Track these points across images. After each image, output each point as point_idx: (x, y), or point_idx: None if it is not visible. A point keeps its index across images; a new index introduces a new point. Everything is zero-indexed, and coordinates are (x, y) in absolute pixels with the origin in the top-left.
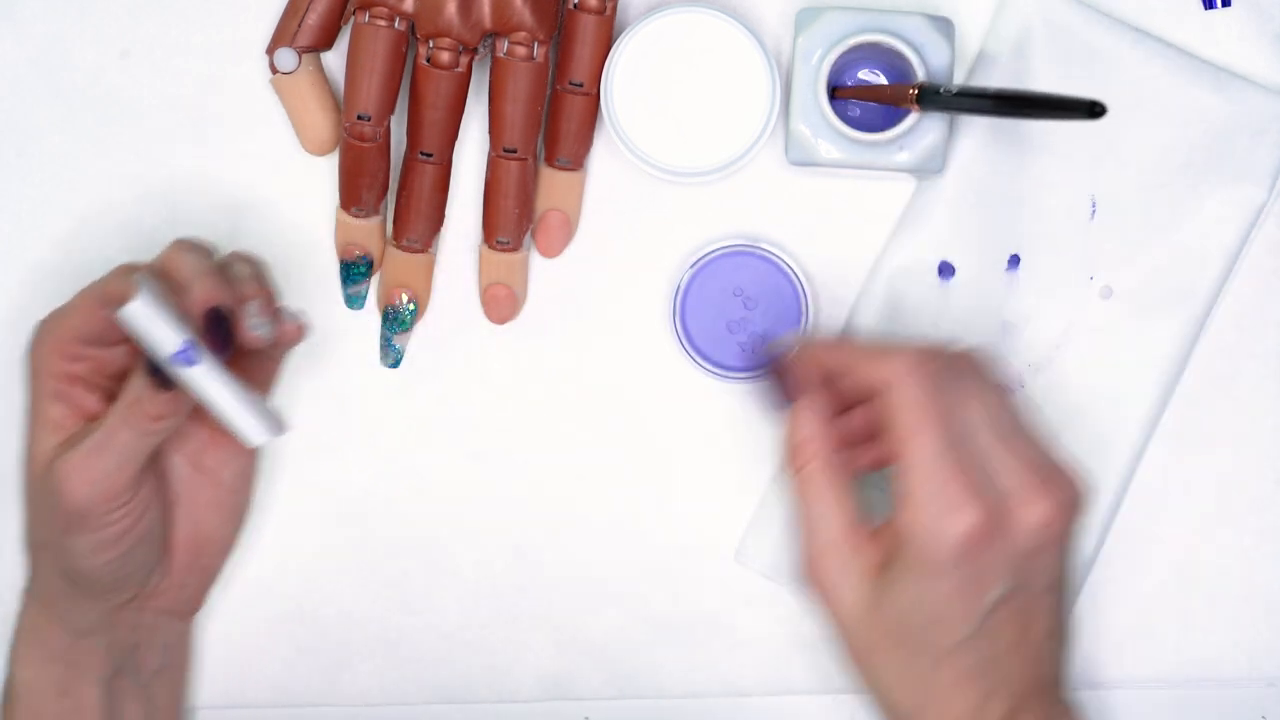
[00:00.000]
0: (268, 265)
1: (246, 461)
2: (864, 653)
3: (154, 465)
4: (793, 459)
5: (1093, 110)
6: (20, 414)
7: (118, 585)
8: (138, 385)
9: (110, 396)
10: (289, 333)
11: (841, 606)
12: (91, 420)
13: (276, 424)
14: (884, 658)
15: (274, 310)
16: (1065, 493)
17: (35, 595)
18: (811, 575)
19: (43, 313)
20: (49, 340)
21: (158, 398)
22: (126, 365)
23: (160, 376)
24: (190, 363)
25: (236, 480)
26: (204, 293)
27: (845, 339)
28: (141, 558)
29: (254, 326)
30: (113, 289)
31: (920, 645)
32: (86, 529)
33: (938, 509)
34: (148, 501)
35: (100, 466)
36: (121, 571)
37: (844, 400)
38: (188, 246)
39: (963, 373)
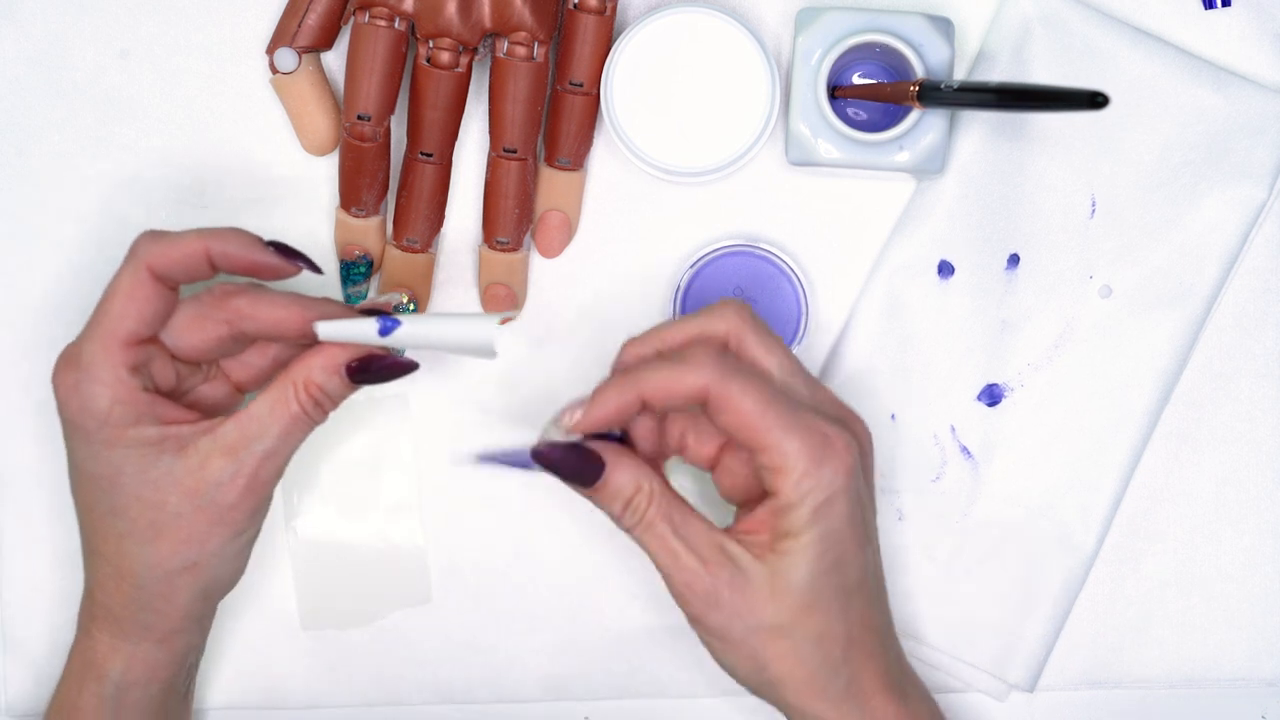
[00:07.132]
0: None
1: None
2: (781, 632)
3: None
4: (629, 519)
5: (1094, 101)
6: (14, 411)
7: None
8: (331, 384)
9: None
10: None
11: (758, 597)
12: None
13: (487, 326)
14: (803, 628)
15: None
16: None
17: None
18: (714, 591)
19: (40, 311)
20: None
21: (347, 388)
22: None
23: (355, 374)
24: (395, 327)
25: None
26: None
27: (621, 380)
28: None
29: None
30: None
31: (835, 592)
32: (250, 524)
33: (819, 455)
34: None
35: (282, 459)
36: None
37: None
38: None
39: (756, 336)
